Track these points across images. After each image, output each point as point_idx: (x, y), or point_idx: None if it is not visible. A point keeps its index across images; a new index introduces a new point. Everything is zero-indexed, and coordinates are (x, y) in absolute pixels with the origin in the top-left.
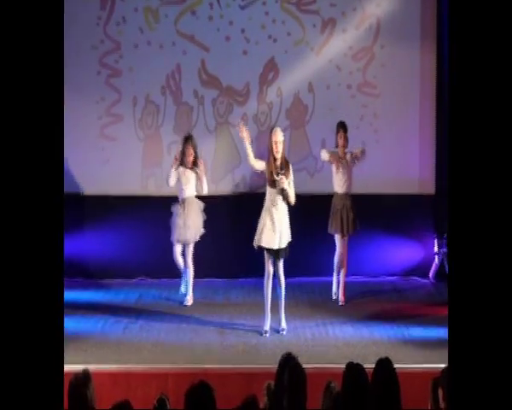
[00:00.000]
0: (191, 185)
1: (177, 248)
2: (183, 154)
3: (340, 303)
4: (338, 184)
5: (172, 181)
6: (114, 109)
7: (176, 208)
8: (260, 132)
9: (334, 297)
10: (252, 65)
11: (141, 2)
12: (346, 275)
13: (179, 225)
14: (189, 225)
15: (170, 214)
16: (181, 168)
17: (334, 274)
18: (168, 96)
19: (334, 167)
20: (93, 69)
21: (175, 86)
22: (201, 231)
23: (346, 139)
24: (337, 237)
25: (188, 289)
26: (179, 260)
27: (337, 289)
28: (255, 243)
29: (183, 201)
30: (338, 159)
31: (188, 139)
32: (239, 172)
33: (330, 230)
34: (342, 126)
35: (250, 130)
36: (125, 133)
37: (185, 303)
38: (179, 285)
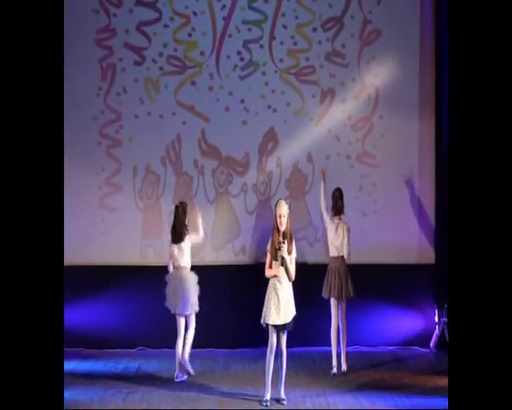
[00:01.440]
0: (186, 256)
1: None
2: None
3: (343, 370)
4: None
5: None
6: (114, 179)
7: (170, 276)
8: (260, 202)
9: (333, 371)
10: (251, 135)
11: (141, 73)
12: (347, 343)
13: (174, 293)
14: (186, 297)
15: None
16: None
17: (332, 345)
18: (168, 166)
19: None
20: (93, 139)
21: (175, 156)
22: (196, 307)
23: (332, 205)
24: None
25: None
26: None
27: (336, 362)
28: (263, 321)
29: (179, 268)
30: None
31: (178, 208)
32: (239, 242)
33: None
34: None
35: (250, 199)
36: (124, 203)
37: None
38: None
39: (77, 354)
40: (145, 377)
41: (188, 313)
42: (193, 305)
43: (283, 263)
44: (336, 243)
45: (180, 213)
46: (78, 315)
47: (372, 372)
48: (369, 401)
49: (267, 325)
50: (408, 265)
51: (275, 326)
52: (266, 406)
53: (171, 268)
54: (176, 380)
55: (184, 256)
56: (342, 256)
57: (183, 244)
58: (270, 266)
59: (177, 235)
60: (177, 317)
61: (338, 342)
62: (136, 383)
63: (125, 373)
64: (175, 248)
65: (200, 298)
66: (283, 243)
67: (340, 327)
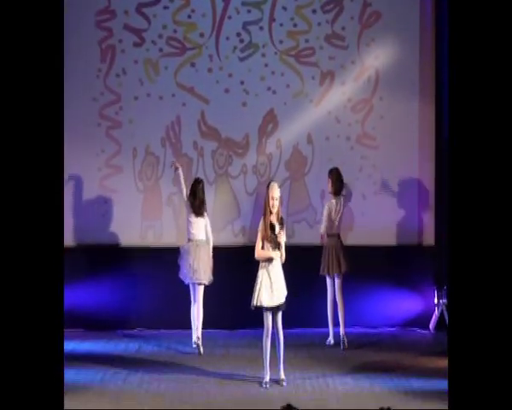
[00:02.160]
0: (203, 231)
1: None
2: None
3: (342, 348)
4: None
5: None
6: (114, 161)
7: (189, 247)
8: (260, 184)
9: (328, 340)
10: (251, 117)
11: (141, 55)
12: (345, 321)
13: (189, 264)
14: (199, 266)
15: (168, 265)
16: (192, 215)
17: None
18: (168, 147)
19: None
20: (93, 121)
21: (175, 138)
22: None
23: (330, 185)
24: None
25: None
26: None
27: (333, 334)
28: (253, 304)
29: (197, 241)
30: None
31: (199, 183)
32: (238, 224)
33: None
34: (329, 172)
35: (249, 181)
36: (124, 185)
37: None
38: (179, 336)
39: (77, 335)
40: (145, 358)
41: (204, 281)
42: (209, 275)
43: (279, 248)
44: (334, 221)
45: (201, 189)
46: (78, 296)
47: (372, 354)
48: (368, 382)
49: (256, 307)
50: (408, 246)
51: (268, 309)
52: (266, 388)
53: (186, 239)
54: (194, 346)
55: (201, 231)
56: (338, 234)
57: (202, 219)
58: (262, 248)
59: (200, 209)
60: (194, 286)
61: (335, 317)
62: (136, 364)
63: (125, 354)
64: (195, 221)
65: None
66: (281, 228)
67: (338, 305)
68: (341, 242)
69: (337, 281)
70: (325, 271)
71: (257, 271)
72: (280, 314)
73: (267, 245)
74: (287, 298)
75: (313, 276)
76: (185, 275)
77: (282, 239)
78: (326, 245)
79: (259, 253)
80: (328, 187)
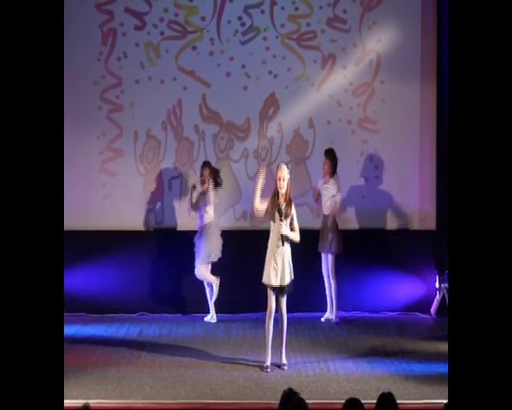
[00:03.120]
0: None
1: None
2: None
3: (334, 321)
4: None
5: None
6: (115, 144)
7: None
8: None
9: (324, 315)
10: (252, 100)
11: (142, 38)
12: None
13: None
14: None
15: (169, 249)
16: (211, 191)
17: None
18: (169, 131)
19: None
20: (94, 104)
21: (176, 121)
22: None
23: (329, 166)
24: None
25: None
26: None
27: (329, 309)
28: (264, 281)
29: (210, 225)
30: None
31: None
32: (240, 208)
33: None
34: (325, 153)
35: (251, 165)
36: (125, 168)
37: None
38: (180, 320)
39: (78, 319)
40: (146, 342)
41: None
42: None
43: (282, 238)
44: (327, 202)
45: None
46: (79, 280)
47: (373, 338)
48: (369, 366)
49: (266, 285)
50: (409, 230)
51: (273, 289)
52: (267, 371)
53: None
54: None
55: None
56: (328, 214)
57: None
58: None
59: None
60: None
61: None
62: (138, 349)
63: (127, 338)
64: (216, 195)
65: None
66: (284, 218)
67: (331, 282)
68: (332, 222)
69: (329, 259)
70: (318, 249)
71: (259, 254)
72: (284, 298)
73: (273, 224)
74: (291, 282)
75: (315, 260)
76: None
77: (295, 220)
78: (322, 226)
79: (258, 211)
80: (326, 168)
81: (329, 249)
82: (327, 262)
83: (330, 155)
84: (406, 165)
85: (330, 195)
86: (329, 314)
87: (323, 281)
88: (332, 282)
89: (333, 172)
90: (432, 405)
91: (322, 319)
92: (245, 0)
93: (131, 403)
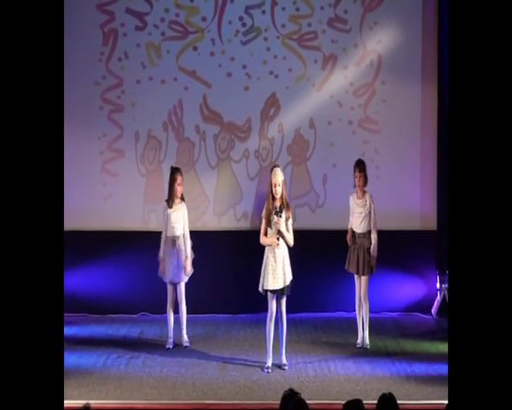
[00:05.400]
0: (181, 222)
1: (171, 291)
2: (171, 187)
3: (366, 346)
4: (354, 224)
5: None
6: (116, 145)
7: (166, 247)
8: (262, 168)
9: (358, 345)
10: (253, 101)
11: (143, 38)
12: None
13: (172, 264)
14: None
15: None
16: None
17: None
18: (170, 131)
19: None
20: (95, 105)
21: (177, 122)
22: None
23: (361, 178)
24: (355, 277)
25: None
26: (171, 309)
27: (362, 338)
28: (261, 288)
29: (175, 239)
30: (355, 200)
31: (176, 170)
32: (241, 208)
33: (347, 268)
34: (357, 165)
35: (251, 165)
36: (126, 169)
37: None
38: (180, 320)
39: (79, 320)
40: (147, 343)
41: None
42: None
43: (278, 235)
44: (363, 220)
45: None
46: (80, 280)
47: (374, 338)
48: (370, 366)
49: (266, 291)
50: (410, 231)
51: (273, 292)
52: (268, 372)
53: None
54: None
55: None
56: (365, 232)
57: (180, 206)
58: (265, 234)
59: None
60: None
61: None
62: (139, 349)
63: (127, 339)
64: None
65: (202, 264)
66: (280, 215)
67: (363, 303)
68: (370, 242)
69: (364, 278)
70: (353, 269)
71: (259, 255)
72: (284, 299)
73: (269, 231)
74: (291, 283)
75: (316, 261)
76: None
77: (290, 223)
78: (353, 242)
79: (263, 239)
80: (360, 182)
81: (369, 271)
82: (360, 283)
83: (362, 166)
84: (407, 165)
85: (367, 212)
86: (363, 339)
87: (323, 281)
88: (364, 303)
89: (365, 185)
90: (432, 405)
91: (358, 347)
92: (246, 0)
93: (132, 403)
